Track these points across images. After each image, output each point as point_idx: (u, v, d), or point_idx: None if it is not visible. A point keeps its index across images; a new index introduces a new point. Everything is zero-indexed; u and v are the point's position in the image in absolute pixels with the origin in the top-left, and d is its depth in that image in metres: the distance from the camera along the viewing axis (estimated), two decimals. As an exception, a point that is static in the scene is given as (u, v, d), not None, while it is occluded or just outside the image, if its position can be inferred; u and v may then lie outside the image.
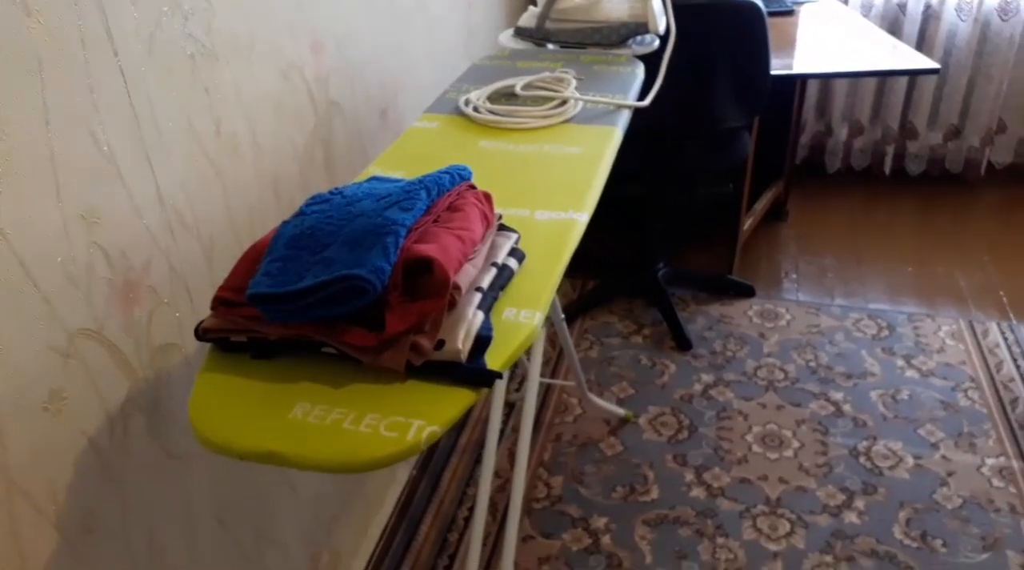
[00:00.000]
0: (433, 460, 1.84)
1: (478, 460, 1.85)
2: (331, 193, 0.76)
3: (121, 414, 0.92)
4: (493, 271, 0.75)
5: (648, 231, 2.33)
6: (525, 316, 0.74)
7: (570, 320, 2.31)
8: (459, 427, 1.95)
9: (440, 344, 0.67)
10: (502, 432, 1.93)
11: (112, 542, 0.91)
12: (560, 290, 2.47)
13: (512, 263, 0.79)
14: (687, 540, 1.61)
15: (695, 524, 1.64)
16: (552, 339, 2.23)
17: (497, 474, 1.81)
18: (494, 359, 0.69)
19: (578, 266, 2.57)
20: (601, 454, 1.84)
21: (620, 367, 2.11)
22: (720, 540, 1.60)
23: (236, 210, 1.09)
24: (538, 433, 1.91)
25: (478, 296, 0.71)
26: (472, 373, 0.66)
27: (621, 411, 1.93)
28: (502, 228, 0.83)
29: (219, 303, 0.71)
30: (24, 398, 0.77)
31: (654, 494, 1.72)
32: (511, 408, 1.99)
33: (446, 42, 1.81)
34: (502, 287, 0.76)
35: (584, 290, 2.45)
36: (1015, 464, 1.75)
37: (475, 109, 1.21)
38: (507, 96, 1.25)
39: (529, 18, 1.51)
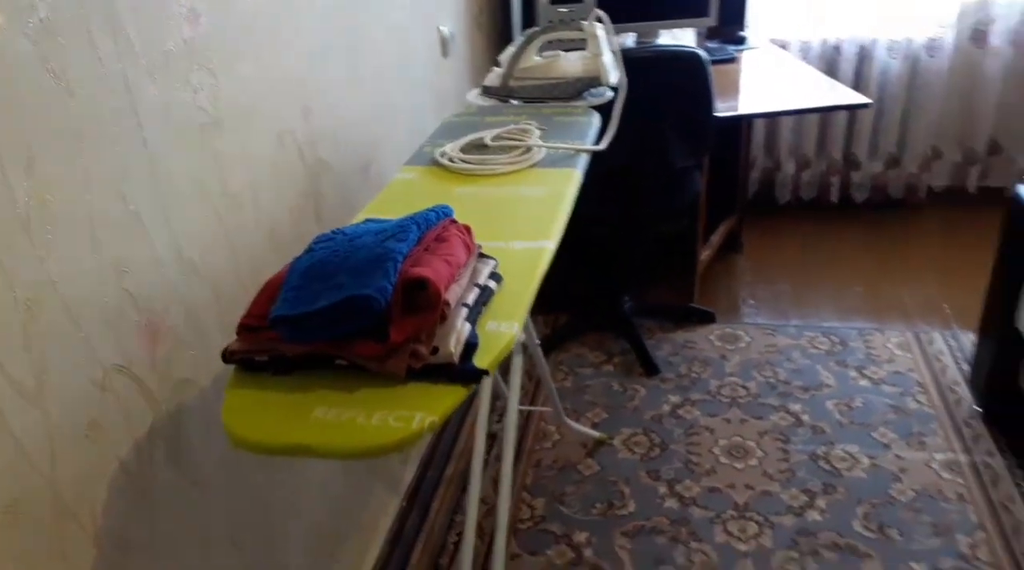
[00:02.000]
0: (421, 491, 1.95)
1: (463, 489, 1.96)
2: (333, 233, 0.90)
3: (148, 443, 1.03)
4: (476, 291, 0.89)
5: (614, 267, 2.49)
6: (505, 327, 0.88)
7: (544, 353, 2.43)
8: (444, 460, 2.06)
9: (435, 350, 0.80)
10: (486, 462, 2.04)
11: (142, 559, 1.01)
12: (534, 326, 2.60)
13: (492, 284, 0.93)
14: (663, 547, 1.72)
15: (670, 532, 1.76)
16: (529, 372, 2.35)
17: (483, 501, 1.92)
18: (480, 361, 0.82)
19: (550, 303, 2.72)
20: (580, 475, 1.96)
21: (594, 394, 2.24)
22: (694, 544, 1.72)
23: (240, 259, 1.22)
24: (520, 460, 2.03)
25: (465, 311, 0.85)
26: (463, 372, 0.79)
27: (596, 434, 2.05)
28: (482, 256, 0.97)
29: (243, 329, 0.83)
30: (69, 426, 0.88)
31: (631, 507, 1.84)
32: (493, 439, 2.10)
33: (420, 104, 1.97)
34: (484, 304, 0.89)
35: (556, 326, 2.59)
36: (961, 458, 1.90)
37: (450, 159, 1.35)
38: (478, 147, 1.40)
39: (494, 78, 1.68)
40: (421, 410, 0.76)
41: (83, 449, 0.91)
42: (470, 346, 0.82)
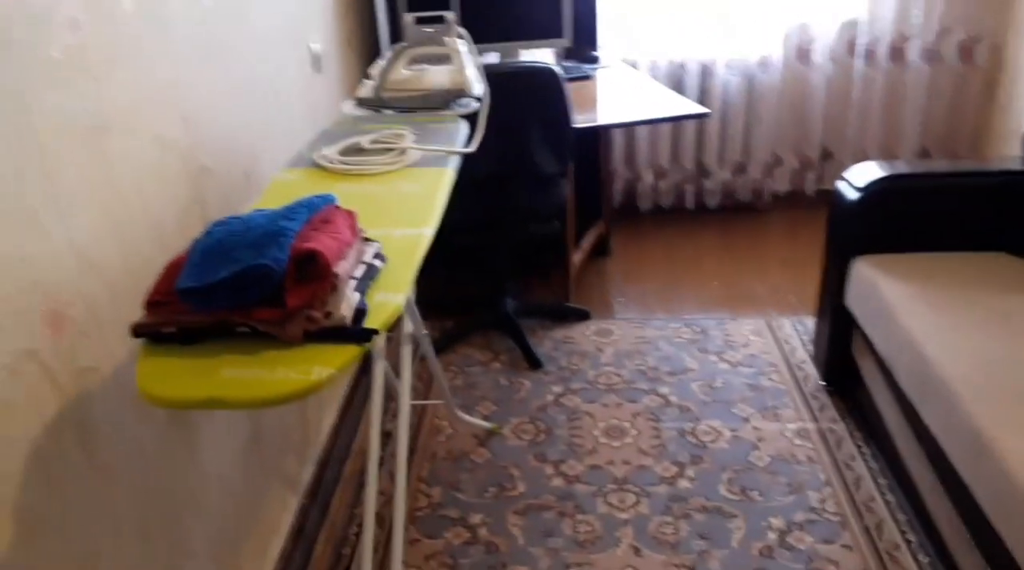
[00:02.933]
0: (321, 489, 2.01)
1: (362, 485, 2.04)
2: (228, 219, 0.99)
3: (56, 427, 1.08)
4: (363, 267, 1.00)
5: (494, 271, 2.64)
6: (391, 297, 1.00)
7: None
8: (342, 459, 2.13)
9: (328, 315, 0.90)
10: (382, 459, 2.12)
11: (56, 540, 1.06)
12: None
13: (377, 263, 1.04)
14: (551, 521, 1.86)
15: (557, 507, 1.90)
16: (419, 374, 2.46)
17: (381, 493, 2.01)
18: (371, 324, 0.93)
19: (436, 310, 2.83)
20: (473, 463, 2.07)
21: (483, 390, 2.37)
22: (579, 517, 1.87)
23: (131, 257, 1.28)
24: (415, 453, 2.12)
25: (353, 282, 0.96)
26: (356, 333, 0.90)
27: (487, 424, 2.18)
28: (366, 240, 1.08)
29: (151, 305, 0.91)
30: (-16, 409, 0.93)
31: (521, 488, 1.97)
32: (389, 437, 2.19)
33: (295, 116, 2.06)
34: (371, 279, 1.01)
35: (444, 330, 2.71)
36: (810, 426, 2.14)
37: (329, 161, 1.46)
38: (356, 151, 1.51)
39: (367, 90, 1.79)
40: (319, 365, 0.87)
41: None
42: (360, 312, 0.93)
